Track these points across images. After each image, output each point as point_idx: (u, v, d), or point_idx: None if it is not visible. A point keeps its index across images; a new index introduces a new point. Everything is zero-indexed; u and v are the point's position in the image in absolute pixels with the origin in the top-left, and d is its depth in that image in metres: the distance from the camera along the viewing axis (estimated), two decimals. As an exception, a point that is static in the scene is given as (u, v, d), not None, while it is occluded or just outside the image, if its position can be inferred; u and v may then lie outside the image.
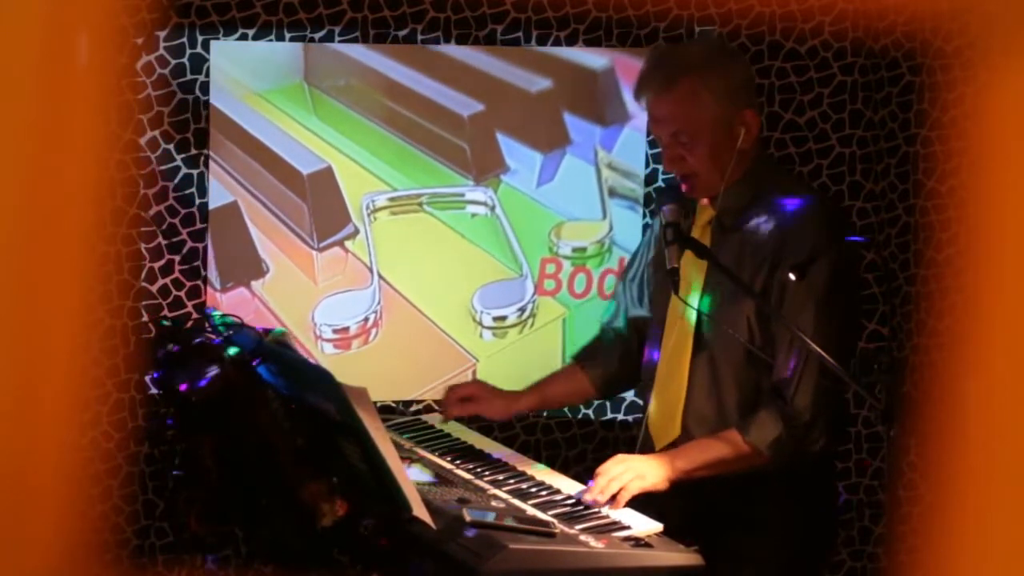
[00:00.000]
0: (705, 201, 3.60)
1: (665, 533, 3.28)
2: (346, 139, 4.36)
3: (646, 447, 3.68)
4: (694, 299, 3.58)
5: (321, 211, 4.37)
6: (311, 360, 4.09)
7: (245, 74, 4.20)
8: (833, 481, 3.82)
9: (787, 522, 3.55)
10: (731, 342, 3.53)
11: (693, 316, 3.58)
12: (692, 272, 3.59)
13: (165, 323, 3.89)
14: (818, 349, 3.35)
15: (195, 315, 4.12)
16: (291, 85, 4.25)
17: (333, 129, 4.35)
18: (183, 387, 3.49)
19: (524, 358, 4.53)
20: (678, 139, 3.53)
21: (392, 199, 4.42)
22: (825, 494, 3.68)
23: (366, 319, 4.43)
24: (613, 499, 3.38)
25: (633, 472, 3.41)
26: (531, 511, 3.31)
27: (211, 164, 4.15)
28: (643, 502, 3.42)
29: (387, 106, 4.36)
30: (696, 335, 3.58)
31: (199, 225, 4.13)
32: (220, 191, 4.23)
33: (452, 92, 4.37)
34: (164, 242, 4.10)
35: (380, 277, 4.43)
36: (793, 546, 3.57)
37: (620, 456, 3.50)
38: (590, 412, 4.44)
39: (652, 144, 4.35)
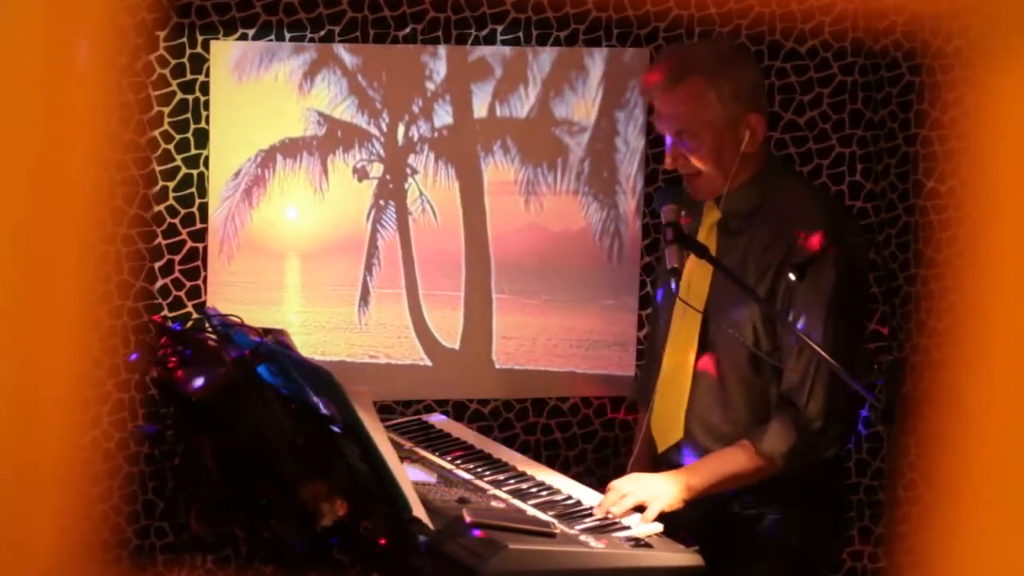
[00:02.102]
0: (711, 203, 3.60)
1: (674, 534, 3.28)
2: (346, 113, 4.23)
3: (649, 448, 3.67)
4: (699, 303, 3.57)
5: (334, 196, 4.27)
6: (311, 360, 4.08)
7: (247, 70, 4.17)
8: (842, 481, 3.80)
9: (796, 522, 3.54)
10: (736, 345, 3.52)
11: (698, 318, 3.57)
12: (698, 275, 3.59)
13: (165, 323, 3.90)
14: (823, 354, 3.34)
15: (195, 315, 4.11)
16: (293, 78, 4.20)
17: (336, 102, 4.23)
18: (183, 387, 3.49)
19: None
20: (681, 138, 3.53)
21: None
22: (834, 494, 3.67)
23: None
24: (636, 511, 3.36)
25: (647, 491, 3.39)
26: (531, 511, 3.31)
27: (212, 163, 4.14)
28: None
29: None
30: (701, 337, 3.57)
31: (199, 225, 4.13)
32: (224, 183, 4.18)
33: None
34: (164, 242, 4.10)
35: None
36: (801, 546, 3.56)
37: (634, 475, 3.48)
38: (590, 412, 4.44)
39: (652, 144, 4.34)
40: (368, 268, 4.33)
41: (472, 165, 4.35)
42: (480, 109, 4.32)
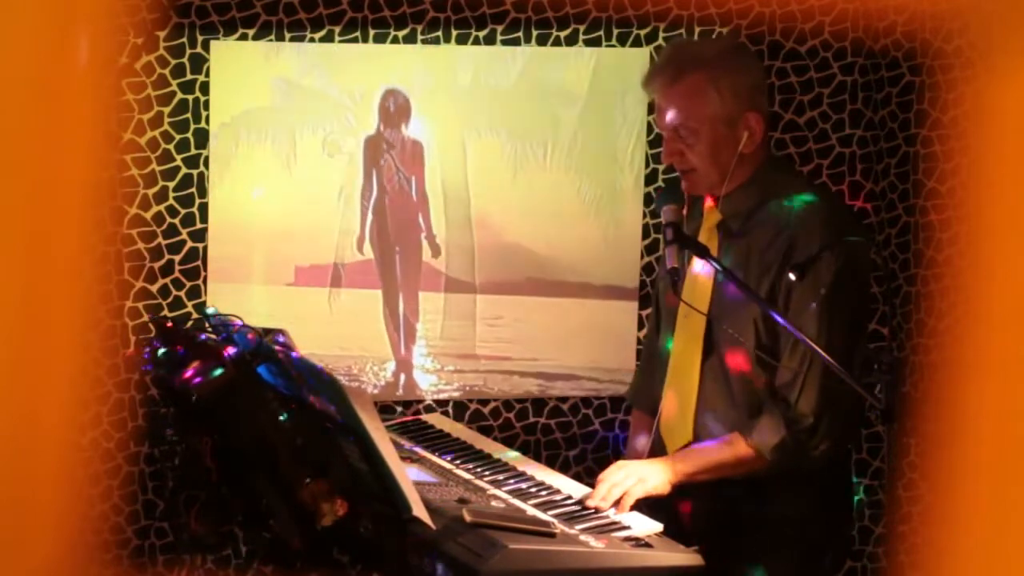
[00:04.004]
0: (711, 204, 3.60)
1: (681, 534, 3.28)
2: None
3: (657, 451, 3.68)
4: (703, 304, 3.57)
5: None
6: (311, 360, 4.05)
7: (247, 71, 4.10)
8: (849, 479, 3.80)
9: (805, 522, 3.55)
10: (740, 346, 3.52)
11: (703, 320, 3.57)
12: (701, 276, 3.59)
13: (165, 322, 3.90)
14: (821, 351, 3.34)
15: (195, 315, 4.11)
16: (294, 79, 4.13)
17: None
18: (183, 386, 3.49)
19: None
20: (679, 133, 3.53)
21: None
22: (842, 493, 3.68)
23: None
24: (617, 504, 3.38)
25: (634, 477, 3.41)
26: (531, 511, 3.31)
27: (212, 164, 4.13)
28: (658, 504, 3.43)
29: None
30: (706, 339, 3.57)
31: (199, 225, 4.13)
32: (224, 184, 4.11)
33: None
34: (164, 242, 4.10)
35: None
36: (810, 546, 3.57)
37: (620, 462, 3.50)
38: (590, 412, 4.44)
39: (652, 144, 4.34)
40: (339, 252, 4.16)
41: (455, 139, 4.18)
42: (464, 76, 4.18)
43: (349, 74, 4.11)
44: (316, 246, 4.16)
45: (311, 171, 4.12)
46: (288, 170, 4.11)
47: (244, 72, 4.05)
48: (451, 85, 4.17)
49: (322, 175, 4.13)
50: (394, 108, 4.14)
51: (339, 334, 4.19)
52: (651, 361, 3.80)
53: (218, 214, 4.09)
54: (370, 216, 4.16)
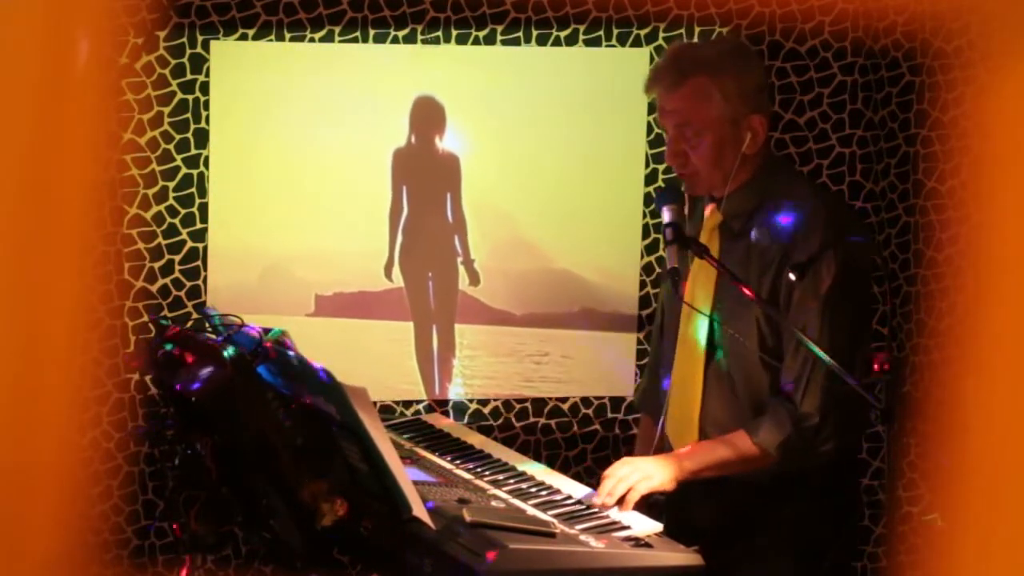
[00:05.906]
0: (712, 206, 3.60)
1: (682, 534, 3.28)
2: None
3: (663, 452, 3.68)
4: (705, 305, 3.57)
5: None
6: (310, 360, 4.02)
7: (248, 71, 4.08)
8: (855, 481, 3.80)
9: (808, 523, 3.55)
10: (744, 346, 3.52)
11: (704, 322, 3.57)
12: (703, 277, 3.59)
13: (165, 323, 3.91)
14: (820, 351, 3.34)
15: (195, 315, 4.11)
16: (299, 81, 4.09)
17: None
18: (181, 387, 3.49)
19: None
20: (683, 134, 3.53)
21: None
22: (846, 494, 3.68)
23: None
24: (621, 501, 3.38)
25: (640, 473, 3.41)
26: (531, 511, 3.31)
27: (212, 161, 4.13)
28: (659, 504, 3.43)
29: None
30: (709, 341, 3.58)
31: (199, 225, 4.13)
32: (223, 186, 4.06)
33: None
34: (164, 242, 4.10)
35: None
36: (813, 547, 3.57)
37: (626, 459, 3.50)
38: (590, 412, 4.44)
39: (652, 144, 4.34)
40: (365, 278, 3.93)
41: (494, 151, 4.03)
42: (504, 81, 4.06)
43: (377, 78, 3.90)
44: (339, 272, 3.85)
45: (331, 186, 3.88)
46: (302, 185, 3.88)
47: (244, 72, 4.03)
48: (490, 91, 3.97)
49: (344, 191, 3.87)
50: (427, 117, 3.87)
51: (365, 371, 3.86)
52: (657, 364, 3.80)
53: (219, 235, 3.95)
54: (400, 238, 3.85)
